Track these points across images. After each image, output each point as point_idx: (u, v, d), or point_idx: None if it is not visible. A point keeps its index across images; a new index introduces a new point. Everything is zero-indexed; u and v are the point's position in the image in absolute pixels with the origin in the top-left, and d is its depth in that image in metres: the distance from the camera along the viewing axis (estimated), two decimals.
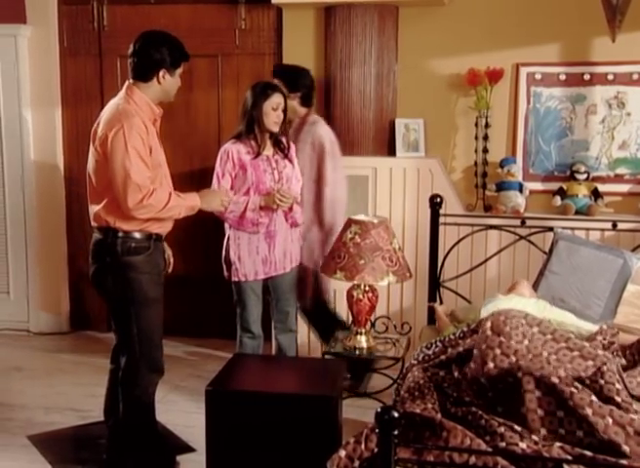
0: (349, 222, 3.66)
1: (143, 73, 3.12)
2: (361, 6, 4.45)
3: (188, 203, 3.15)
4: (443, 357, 2.90)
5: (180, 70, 3.18)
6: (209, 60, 4.94)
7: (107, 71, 5.07)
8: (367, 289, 3.64)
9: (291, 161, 3.85)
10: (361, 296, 3.63)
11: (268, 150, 3.79)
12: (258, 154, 3.74)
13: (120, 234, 3.08)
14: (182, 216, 3.17)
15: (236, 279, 3.79)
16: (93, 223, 3.19)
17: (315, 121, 4.06)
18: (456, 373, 2.78)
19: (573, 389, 2.28)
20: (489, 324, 2.69)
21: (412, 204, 4.49)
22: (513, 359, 2.51)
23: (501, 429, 2.22)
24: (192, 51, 5.02)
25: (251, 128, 3.74)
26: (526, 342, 2.59)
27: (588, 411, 2.21)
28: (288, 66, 4.27)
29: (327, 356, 3.64)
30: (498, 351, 2.55)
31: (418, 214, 4.46)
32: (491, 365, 2.52)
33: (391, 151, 4.62)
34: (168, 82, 3.15)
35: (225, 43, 4.92)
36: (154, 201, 3.01)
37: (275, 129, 3.75)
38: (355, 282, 3.58)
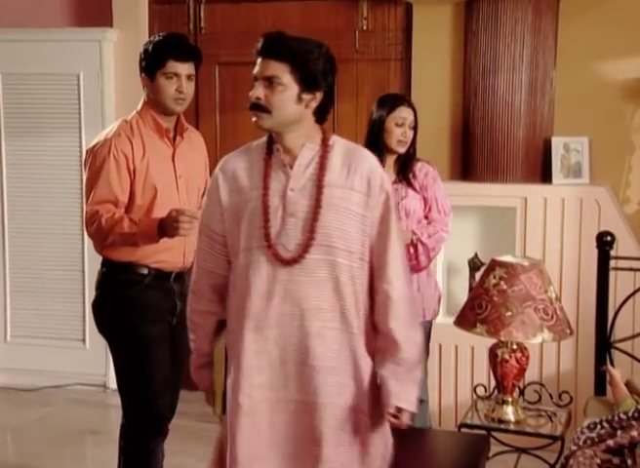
0: (493, 265, 3.61)
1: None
2: None
3: (142, 229, 3.16)
4: (610, 442, 2.80)
5: (164, 70, 3.21)
6: None
7: (204, 81, 5.18)
8: (515, 347, 3.57)
9: (418, 190, 3.80)
10: (507, 357, 3.56)
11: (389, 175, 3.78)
12: None
13: (113, 265, 3.29)
14: (144, 244, 3.20)
15: None
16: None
17: None
18: (629, 461, 2.67)
19: None
20: None
21: (572, 243, 4.40)
22: None
23: None
24: None
25: (371, 147, 3.74)
26: None
27: None
28: None
29: (464, 429, 3.57)
30: None
31: (580, 255, 4.37)
32: None
33: (546, 177, 4.55)
34: (152, 88, 3.25)
35: (343, 46, 4.95)
36: (99, 225, 3.14)
37: (400, 149, 3.75)
38: (500, 338, 3.52)
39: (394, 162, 3.80)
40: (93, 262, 5.31)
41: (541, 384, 3.90)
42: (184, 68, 3.26)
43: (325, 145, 2.60)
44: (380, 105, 3.79)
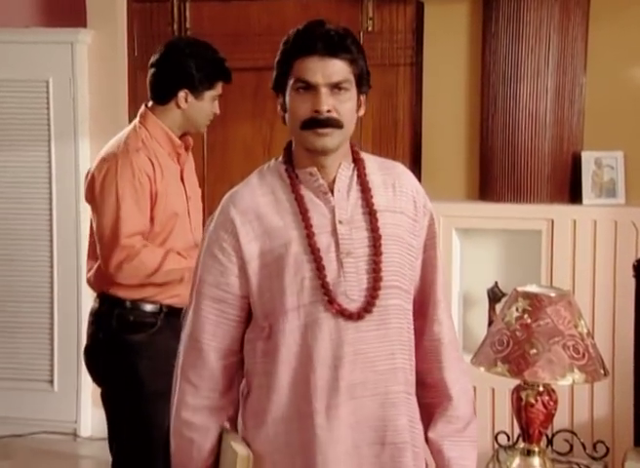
0: (515, 295, 3.57)
1: (160, 93, 3.27)
2: None
3: (191, 263, 3.12)
4: None
5: (213, 93, 3.27)
6: None
7: None
8: (541, 389, 3.51)
9: None
10: (533, 400, 3.50)
11: None
12: None
13: (118, 303, 3.22)
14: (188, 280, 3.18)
15: None
16: (89, 287, 3.38)
17: None
18: None
19: None
20: None
21: (606, 270, 4.36)
22: None
23: None
24: None
25: None
26: None
27: None
28: None
29: None
30: None
31: (615, 284, 4.33)
32: None
33: (575, 197, 4.55)
34: (193, 107, 3.25)
35: None
36: (139, 263, 3.11)
37: None
38: (524, 379, 3.46)
39: None
40: (63, 293, 5.28)
41: (573, 432, 3.88)
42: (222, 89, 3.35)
43: (358, 160, 2.32)
44: None
